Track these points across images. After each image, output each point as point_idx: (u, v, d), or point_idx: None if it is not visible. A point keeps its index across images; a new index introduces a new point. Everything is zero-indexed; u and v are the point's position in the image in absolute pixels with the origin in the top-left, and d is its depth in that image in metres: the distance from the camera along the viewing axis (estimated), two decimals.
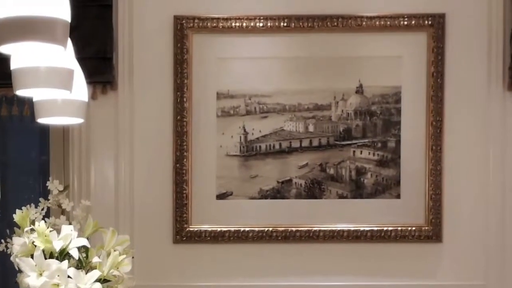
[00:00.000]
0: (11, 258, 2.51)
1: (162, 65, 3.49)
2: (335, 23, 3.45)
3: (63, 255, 2.40)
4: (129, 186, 3.49)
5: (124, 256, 2.50)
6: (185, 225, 3.50)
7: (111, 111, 3.50)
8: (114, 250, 2.49)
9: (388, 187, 3.50)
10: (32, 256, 2.37)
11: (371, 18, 3.44)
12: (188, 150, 3.48)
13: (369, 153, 3.51)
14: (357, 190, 3.51)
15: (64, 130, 3.54)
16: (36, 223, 2.45)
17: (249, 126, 3.51)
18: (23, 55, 2.04)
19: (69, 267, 2.36)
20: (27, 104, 3.54)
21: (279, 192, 3.52)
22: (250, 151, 3.51)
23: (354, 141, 3.51)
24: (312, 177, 3.52)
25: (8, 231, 2.65)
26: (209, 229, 3.51)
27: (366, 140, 3.50)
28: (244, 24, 3.46)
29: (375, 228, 3.49)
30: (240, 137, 3.51)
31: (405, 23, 3.44)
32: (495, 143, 3.47)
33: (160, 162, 3.51)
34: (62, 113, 2.46)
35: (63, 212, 2.74)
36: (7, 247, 2.67)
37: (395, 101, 3.48)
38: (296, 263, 3.53)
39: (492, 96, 3.47)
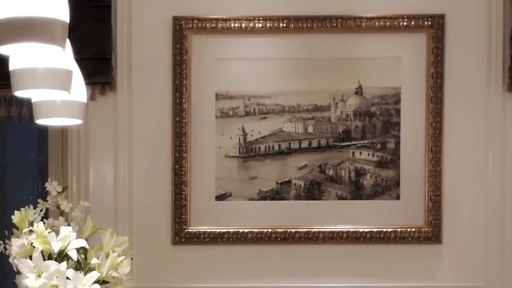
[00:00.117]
0: (10, 259, 2.51)
1: (161, 66, 3.49)
2: (335, 24, 3.45)
3: (61, 256, 2.40)
4: (128, 187, 3.49)
5: (123, 257, 2.50)
6: (184, 226, 3.49)
7: (110, 112, 3.49)
8: (113, 252, 2.49)
9: (388, 188, 3.50)
10: (30, 258, 2.37)
11: (370, 19, 3.44)
12: (187, 151, 3.48)
13: (368, 154, 3.50)
14: (357, 191, 3.51)
15: (63, 131, 3.54)
16: (35, 224, 2.45)
17: (248, 127, 3.50)
18: (21, 56, 2.04)
19: (67, 268, 2.36)
20: (26, 105, 3.53)
21: (278, 193, 3.51)
22: (249, 152, 3.51)
23: (353, 142, 3.50)
24: (312, 178, 3.51)
25: (6, 232, 2.65)
26: (208, 230, 3.50)
27: (366, 141, 3.50)
28: (243, 25, 3.45)
29: (375, 229, 3.49)
30: (239, 138, 3.50)
31: (405, 23, 3.44)
32: (495, 144, 3.47)
33: (159, 163, 3.50)
34: (60, 114, 2.46)
35: (61, 213, 2.74)
36: (5, 248, 2.67)
37: (395, 102, 3.48)
38: (296, 264, 3.52)
39: (492, 97, 3.46)
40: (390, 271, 3.51)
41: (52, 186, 2.76)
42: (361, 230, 3.49)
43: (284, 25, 3.45)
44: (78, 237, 2.48)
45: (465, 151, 3.48)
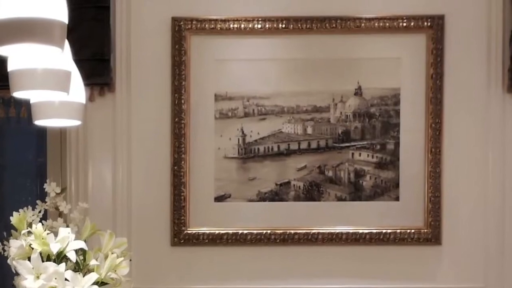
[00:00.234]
0: (8, 261, 2.50)
1: (159, 66, 3.48)
2: (334, 25, 3.44)
3: (60, 257, 2.40)
4: (127, 189, 3.48)
5: (122, 258, 2.49)
6: (183, 228, 3.49)
7: (108, 113, 3.49)
8: (112, 253, 2.49)
9: (387, 190, 3.49)
10: (29, 259, 2.37)
11: (370, 19, 3.43)
12: (186, 152, 3.47)
13: (368, 155, 3.50)
14: (356, 193, 3.50)
15: (62, 132, 3.53)
16: (33, 225, 2.45)
17: (247, 128, 3.50)
18: (20, 56, 2.03)
19: (66, 269, 2.35)
20: (24, 106, 3.52)
21: (277, 195, 3.51)
22: (248, 153, 3.50)
23: (352, 143, 3.50)
24: (311, 179, 3.51)
25: (5, 233, 2.65)
26: (207, 231, 3.50)
27: (365, 142, 3.49)
28: (242, 26, 3.45)
29: (374, 231, 3.48)
30: (238, 139, 3.50)
31: (404, 24, 3.43)
32: (495, 145, 3.46)
33: (158, 164, 3.49)
34: (59, 115, 2.46)
35: (60, 214, 2.73)
36: (4, 250, 2.67)
37: (394, 103, 3.47)
38: (295, 265, 3.51)
39: (492, 98, 3.46)
40: (390, 272, 3.50)
41: (51, 187, 2.76)
42: (360, 231, 3.48)
43: (283, 26, 3.44)
44: (76, 238, 2.48)
45: (465, 152, 3.48)
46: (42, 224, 2.50)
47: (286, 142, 3.51)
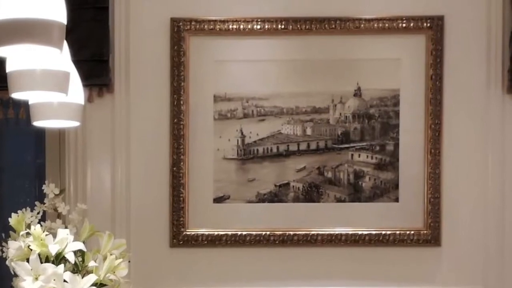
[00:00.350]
0: (7, 262, 2.49)
1: (158, 67, 3.48)
2: (333, 26, 3.44)
3: (59, 259, 2.39)
4: (126, 190, 3.48)
5: (121, 260, 2.48)
6: (182, 229, 3.48)
7: (107, 114, 3.48)
8: (111, 254, 2.48)
9: (387, 191, 3.49)
10: (27, 260, 2.36)
11: (369, 20, 3.43)
12: (185, 154, 3.47)
13: (367, 156, 3.49)
14: (355, 194, 3.50)
15: (60, 133, 3.53)
16: (32, 226, 2.44)
17: (247, 129, 3.49)
18: (19, 57, 2.03)
19: (65, 271, 2.35)
20: (23, 107, 3.52)
21: (276, 196, 3.50)
22: (247, 154, 3.50)
23: (352, 144, 3.49)
24: (310, 180, 3.50)
25: (3, 235, 2.64)
26: (206, 233, 3.49)
27: (364, 143, 3.49)
28: (242, 27, 3.44)
29: (373, 232, 3.48)
30: (238, 140, 3.49)
31: (404, 25, 3.43)
32: (494, 146, 3.46)
33: (157, 166, 3.49)
34: (58, 116, 2.46)
35: (59, 215, 2.73)
36: (2, 251, 2.66)
37: (394, 104, 3.47)
38: (294, 267, 3.51)
39: (491, 99, 3.46)
40: (389, 274, 3.50)
41: (49, 189, 2.75)
42: (359, 232, 3.48)
43: (283, 26, 3.44)
44: (75, 239, 2.47)
45: (464, 153, 3.48)
46: (41, 226, 2.49)
47: (285, 143, 3.50)
